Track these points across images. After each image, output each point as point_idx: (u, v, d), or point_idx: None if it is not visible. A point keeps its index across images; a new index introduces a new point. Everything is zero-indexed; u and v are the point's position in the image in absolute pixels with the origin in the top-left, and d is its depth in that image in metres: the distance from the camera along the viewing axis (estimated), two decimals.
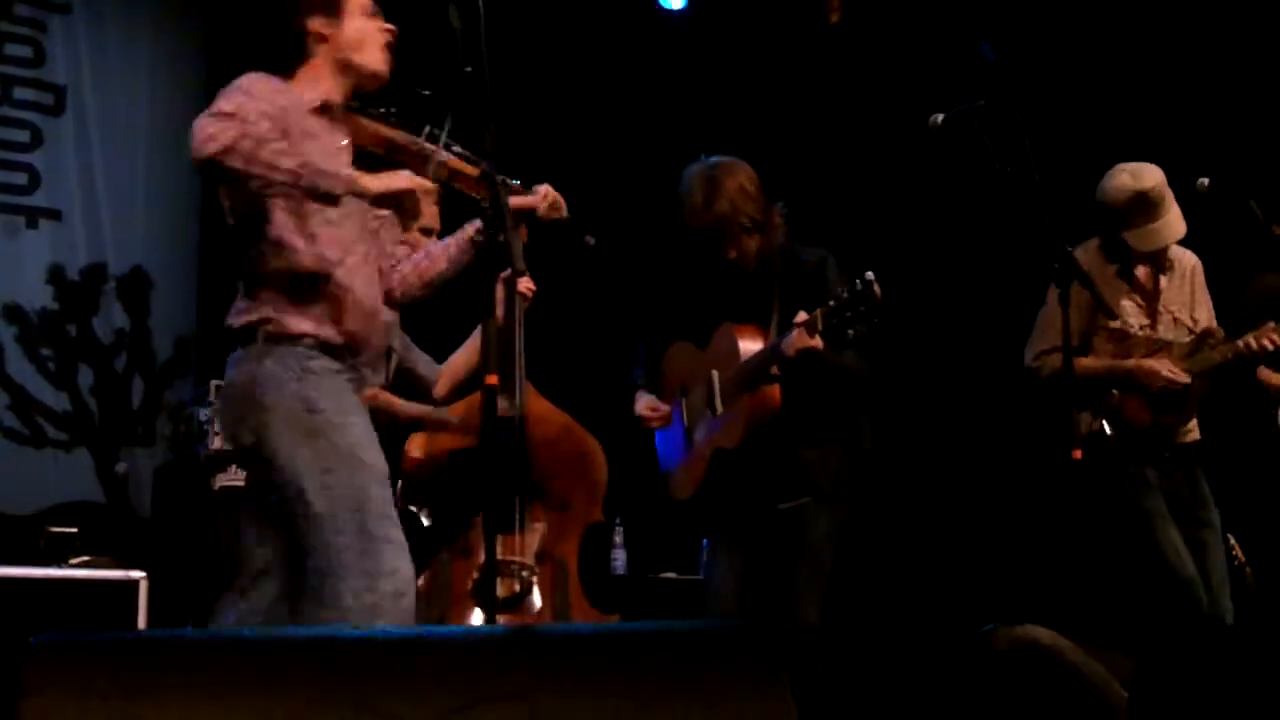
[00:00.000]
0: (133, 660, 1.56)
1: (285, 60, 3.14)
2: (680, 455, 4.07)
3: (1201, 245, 4.40)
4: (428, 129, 3.15)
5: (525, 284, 3.88)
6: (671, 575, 5.67)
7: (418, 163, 3.11)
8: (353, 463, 2.94)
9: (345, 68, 3.11)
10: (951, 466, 6.13)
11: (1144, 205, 4.15)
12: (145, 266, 6.28)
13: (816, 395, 3.81)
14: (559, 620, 4.07)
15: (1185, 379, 4.15)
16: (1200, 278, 4.38)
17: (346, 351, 3.03)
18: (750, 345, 3.79)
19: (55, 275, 6.12)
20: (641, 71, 6.56)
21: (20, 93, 6.17)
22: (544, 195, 3.25)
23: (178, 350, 6.28)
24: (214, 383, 4.92)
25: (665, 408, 4.04)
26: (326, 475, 2.91)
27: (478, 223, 3.14)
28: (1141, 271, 4.28)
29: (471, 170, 3.07)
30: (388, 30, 3.16)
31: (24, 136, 6.17)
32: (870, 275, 3.41)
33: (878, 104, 6.20)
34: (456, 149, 3.10)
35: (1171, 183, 4.24)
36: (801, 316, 3.57)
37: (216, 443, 4.84)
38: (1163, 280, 4.30)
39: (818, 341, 3.53)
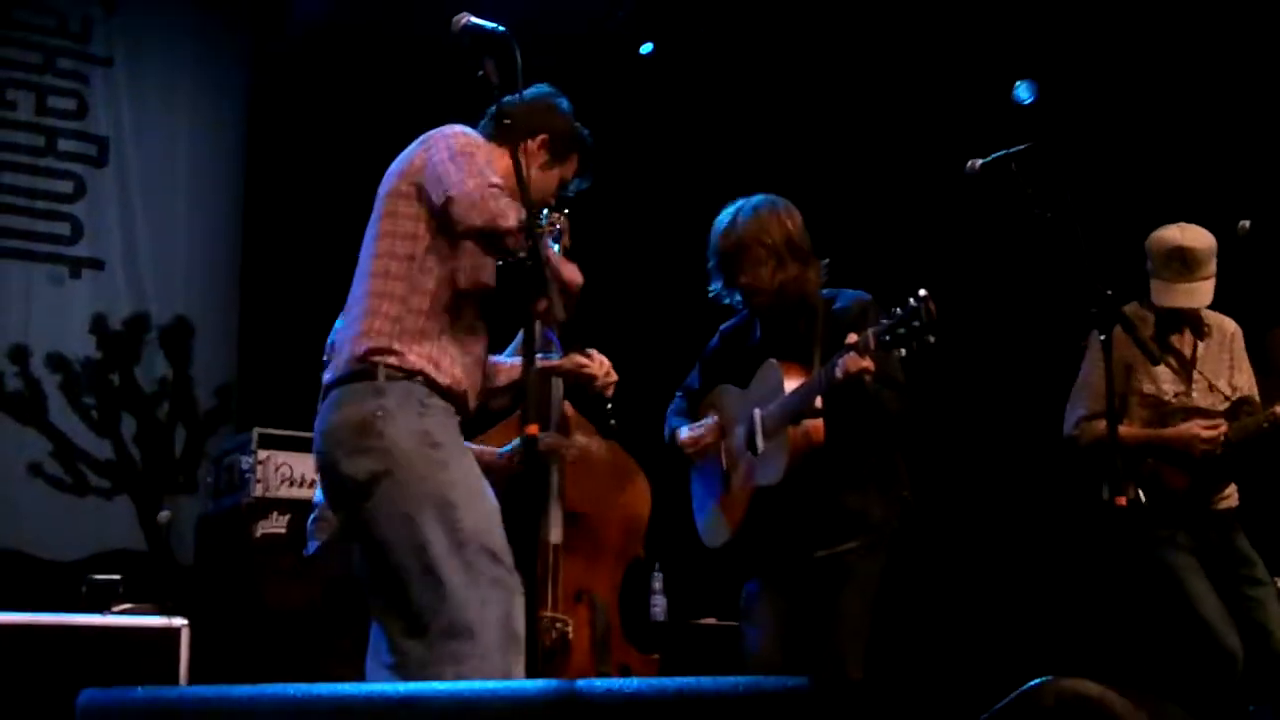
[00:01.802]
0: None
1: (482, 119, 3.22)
2: (715, 501, 4.04)
3: (1243, 287, 4.37)
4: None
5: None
6: (712, 621, 5.63)
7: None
8: (474, 498, 2.95)
9: (513, 190, 3.02)
10: (995, 517, 6.09)
11: (1180, 261, 4.16)
12: (187, 315, 6.36)
13: (857, 438, 3.78)
14: (598, 662, 4.04)
15: (1223, 433, 4.13)
16: (1240, 344, 4.36)
17: (454, 398, 3.05)
18: (794, 381, 3.74)
19: (98, 324, 6.20)
20: (683, 117, 6.59)
21: (64, 144, 6.27)
22: (600, 364, 3.37)
23: (219, 399, 6.34)
24: (257, 430, 4.96)
25: (706, 434, 3.98)
26: (449, 510, 2.90)
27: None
28: (1179, 337, 4.27)
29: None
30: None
31: (67, 188, 6.27)
32: (924, 292, 3.37)
33: (917, 149, 6.20)
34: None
35: (1214, 224, 4.24)
36: (853, 338, 3.52)
37: (258, 490, 4.87)
38: (1200, 346, 4.29)
39: (869, 363, 3.49)
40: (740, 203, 3.92)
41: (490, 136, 3.17)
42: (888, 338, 3.41)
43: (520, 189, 2.92)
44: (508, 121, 3.05)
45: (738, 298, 3.92)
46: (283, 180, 6.38)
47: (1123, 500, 3.70)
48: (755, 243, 3.81)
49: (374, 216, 3.13)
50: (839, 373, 3.52)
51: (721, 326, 4.12)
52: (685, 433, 4.02)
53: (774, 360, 3.81)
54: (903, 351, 3.42)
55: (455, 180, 2.92)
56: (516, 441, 3.99)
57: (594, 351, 3.38)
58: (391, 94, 6.20)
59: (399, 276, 3.02)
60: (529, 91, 3.22)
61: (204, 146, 6.48)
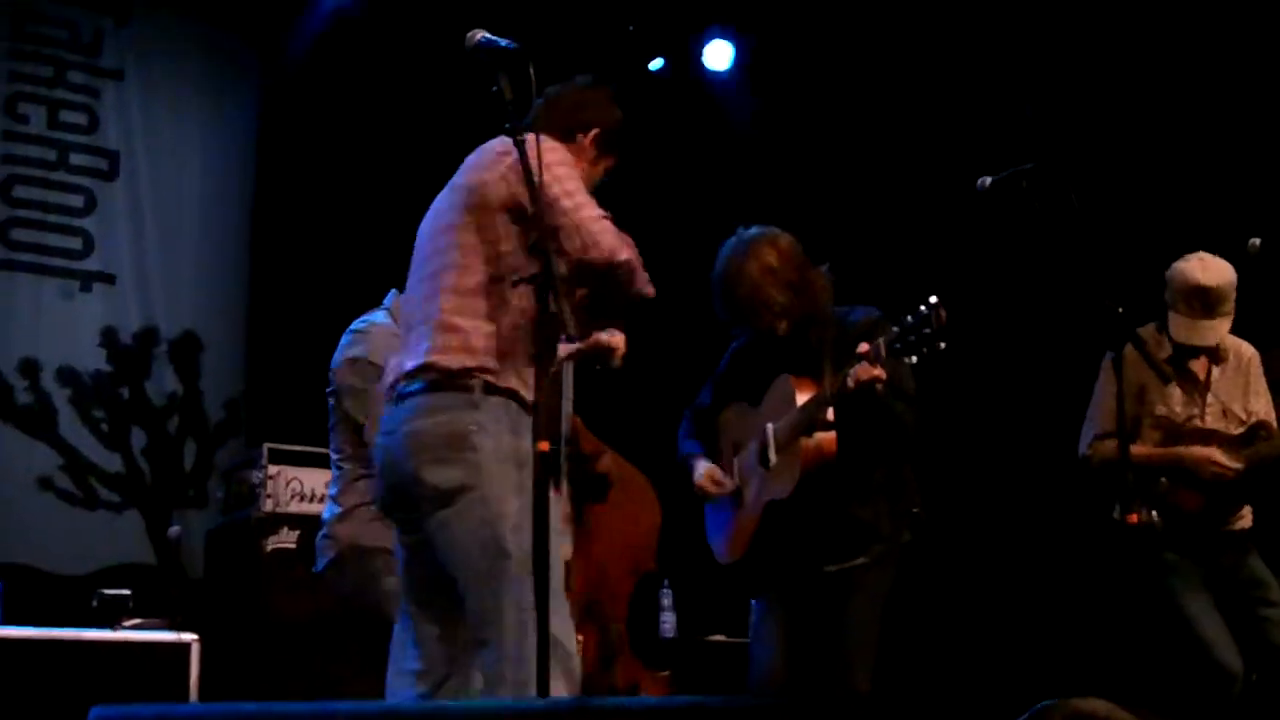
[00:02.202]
0: None
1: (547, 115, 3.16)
2: (729, 517, 4.03)
3: (1253, 305, 4.37)
4: None
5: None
6: (721, 638, 5.63)
7: None
8: (529, 527, 2.90)
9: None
10: (1006, 535, 6.08)
11: (1199, 299, 4.17)
12: (196, 330, 6.37)
13: (868, 450, 3.77)
14: (607, 679, 4.04)
15: (1236, 467, 4.13)
16: (1257, 368, 4.35)
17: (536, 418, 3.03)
18: (805, 394, 3.73)
19: (108, 338, 6.21)
20: (686, 138, 6.60)
21: (75, 158, 6.28)
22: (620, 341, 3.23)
23: (229, 413, 6.34)
24: (267, 445, 4.96)
25: (729, 481, 3.96)
26: (518, 534, 2.88)
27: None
28: (1195, 361, 4.26)
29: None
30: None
31: (78, 201, 6.29)
32: (935, 299, 3.37)
33: (925, 167, 6.21)
34: None
35: (1225, 243, 4.25)
36: (864, 347, 3.51)
37: (268, 505, 4.87)
38: (1215, 371, 4.28)
39: (880, 371, 3.49)
40: (730, 244, 3.87)
41: (544, 129, 3.06)
42: (898, 345, 3.41)
43: None
44: (554, 113, 3.10)
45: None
46: (292, 194, 6.39)
47: (1134, 518, 3.69)
48: (757, 299, 3.76)
49: (447, 222, 3.06)
50: (851, 382, 3.51)
51: (732, 345, 4.12)
52: (703, 474, 3.97)
53: (786, 375, 3.81)
54: (914, 359, 3.41)
55: (568, 207, 2.93)
56: None
57: (615, 331, 3.28)
58: (402, 109, 6.22)
59: (489, 294, 2.99)
60: (579, 79, 3.24)
61: (214, 160, 6.49)
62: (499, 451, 2.92)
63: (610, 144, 3.24)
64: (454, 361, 2.96)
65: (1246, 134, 5.85)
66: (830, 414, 3.66)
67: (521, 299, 2.96)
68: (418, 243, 3.16)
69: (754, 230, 3.88)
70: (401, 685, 3.05)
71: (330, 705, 2.48)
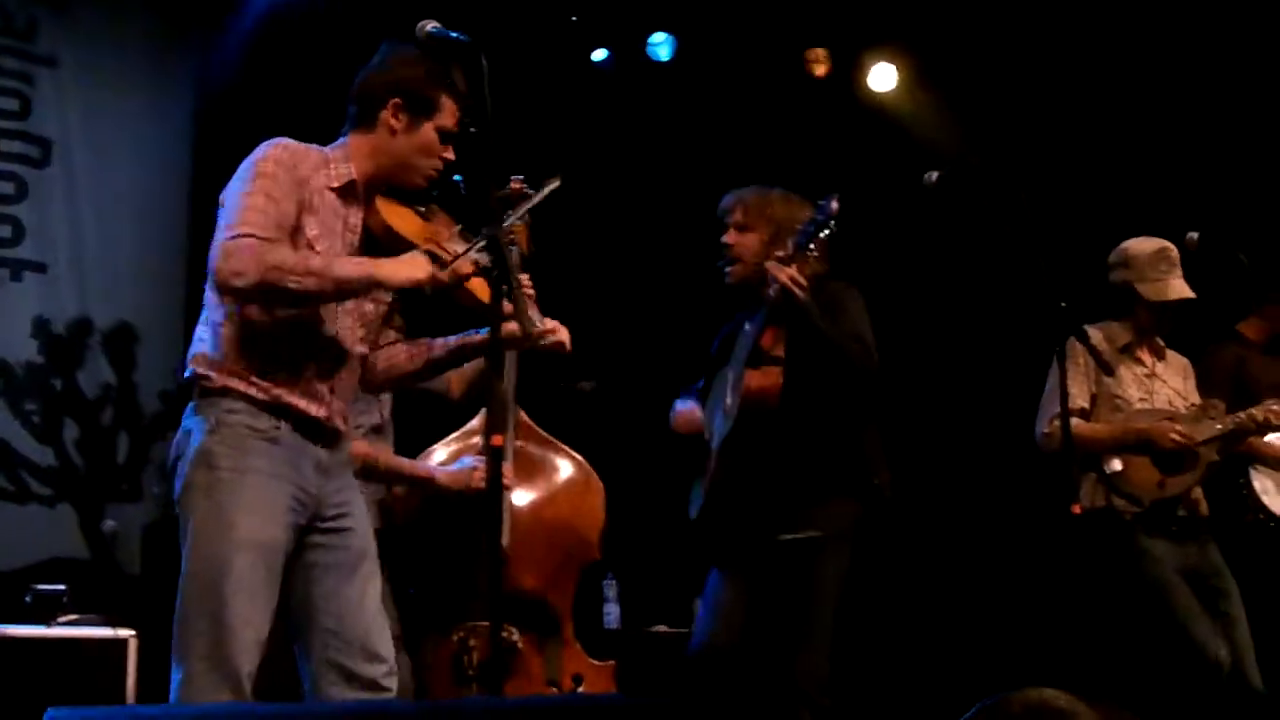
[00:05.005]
0: None
1: (346, 113, 3.12)
2: (702, 474, 4.06)
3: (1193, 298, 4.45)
4: (459, 228, 3.12)
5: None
6: (664, 629, 5.64)
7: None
8: None
9: (391, 166, 3.07)
10: (969, 524, 6.15)
11: (1166, 261, 4.34)
12: (131, 320, 6.25)
13: (815, 393, 3.81)
14: (550, 672, 4.02)
15: (1196, 437, 4.24)
16: (1192, 378, 4.54)
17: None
18: (775, 339, 3.83)
19: (41, 328, 6.08)
20: (635, 123, 6.59)
21: (6, 144, 6.15)
22: (554, 330, 3.17)
23: (164, 405, 6.24)
24: None
25: (698, 417, 4.06)
26: None
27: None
28: (1142, 353, 4.43)
29: (481, 292, 2.96)
30: (444, 160, 3.10)
31: (9, 189, 6.15)
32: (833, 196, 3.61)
33: (875, 162, 6.25)
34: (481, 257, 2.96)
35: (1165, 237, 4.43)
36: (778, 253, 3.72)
37: None
38: (1159, 366, 4.45)
39: (793, 270, 3.65)
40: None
41: (355, 130, 3.08)
42: (803, 239, 3.63)
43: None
44: (353, 107, 3.06)
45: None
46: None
47: (1077, 508, 3.75)
48: (757, 210, 3.96)
49: None
50: (771, 291, 3.64)
51: (724, 329, 4.18)
52: (676, 412, 4.13)
53: (747, 326, 3.90)
54: (813, 248, 3.65)
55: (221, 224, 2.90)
56: (466, 461, 3.97)
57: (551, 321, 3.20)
58: (343, 101, 6.14)
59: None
60: (367, 66, 3.12)
61: (152, 149, 6.37)
62: None
63: (421, 101, 3.05)
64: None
65: (1182, 130, 5.96)
66: (780, 350, 3.76)
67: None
68: None
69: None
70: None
71: (268, 708, 2.46)
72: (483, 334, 3.12)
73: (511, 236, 3.49)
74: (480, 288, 2.98)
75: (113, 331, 6.21)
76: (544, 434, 4.20)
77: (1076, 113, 6.11)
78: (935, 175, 3.75)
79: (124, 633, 4.47)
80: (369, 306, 3.12)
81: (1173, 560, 4.23)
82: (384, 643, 3.02)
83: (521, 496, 4.03)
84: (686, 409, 4.13)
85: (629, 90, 6.63)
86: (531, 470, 4.10)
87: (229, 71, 6.24)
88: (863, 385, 3.83)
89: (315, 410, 2.99)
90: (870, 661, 5.11)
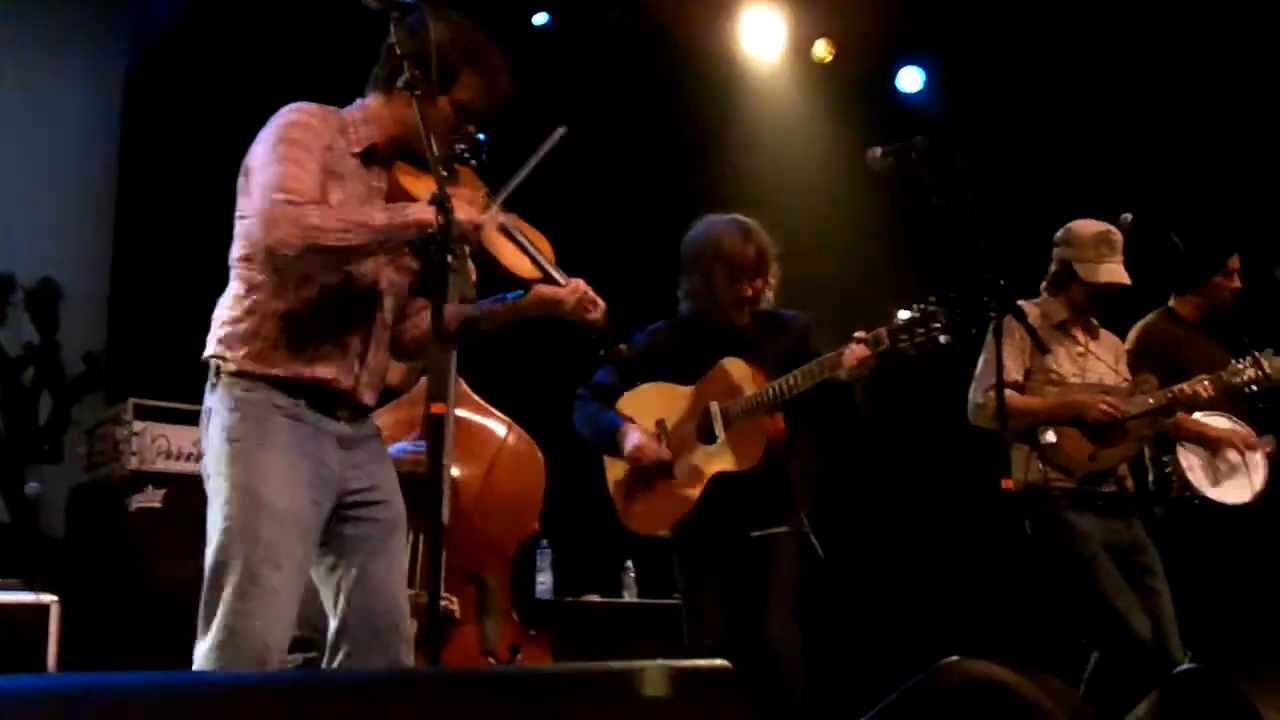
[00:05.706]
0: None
1: (368, 75, 3.05)
2: (653, 490, 4.13)
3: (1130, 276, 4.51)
4: (486, 191, 3.03)
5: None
6: (595, 598, 5.64)
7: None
8: None
9: (406, 134, 2.96)
10: (903, 502, 6.20)
11: (1107, 245, 4.41)
12: (56, 278, 6.11)
13: (813, 433, 4.06)
14: (486, 642, 4.01)
15: (1125, 409, 4.32)
16: (1124, 359, 4.63)
17: None
18: (755, 376, 3.99)
19: None
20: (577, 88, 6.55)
21: None
22: (573, 290, 3.07)
23: (88, 366, 6.12)
24: (133, 401, 4.80)
25: (665, 451, 4.10)
26: None
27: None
28: (1076, 330, 4.52)
29: (512, 259, 2.96)
30: (465, 135, 3.03)
31: None
32: (935, 299, 3.66)
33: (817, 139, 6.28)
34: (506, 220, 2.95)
35: (1096, 218, 4.50)
36: (861, 334, 3.74)
37: (133, 463, 4.72)
38: (1093, 344, 4.55)
39: (869, 354, 3.74)
40: (731, 216, 4.14)
41: (377, 92, 3.03)
42: (902, 338, 3.69)
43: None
44: (377, 69, 3.00)
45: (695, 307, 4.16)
46: (160, 145, 6.17)
47: (1008, 483, 3.78)
48: (771, 258, 4.09)
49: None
50: (848, 360, 3.75)
51: (650, 327, 4.27)
52: (636, 441, 4.09)
53: (734, 358, 4.06)
54: (912, 351, 3.70)
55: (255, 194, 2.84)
56: (406, 445, 3.94)
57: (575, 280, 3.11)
58: (279, 62, 6.03)
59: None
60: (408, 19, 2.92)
61: (79, 108, 6.24)
62: None
63: (441, 74, 2.94)
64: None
65: (1122, 113, 6.03)
66: (788, 395, 3.90)
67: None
68: None
69: (737, 219, 4.12)
70: None
71: (190, 675, 2.41)
72: (513, 298, 3.10)
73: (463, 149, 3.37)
74: (511, 251, 2.97)
75: (35, 289, 6.07)
76: (483, 402, 4.18)
77: (1017, 93, 6.16)
78: (879, 151, 3.76)
79: (46, 598, 4.37)
80: (397, 275, 3.06)
81: (1099, 535, 4.30)
82: (404, 618, 2.99)
83: (462, 468, 4.02)
84: (644, 440, 4.10)
85: (571, 54, 6.57)
86: (471, 441, 4.08)
87: (161, 30, 6.10)
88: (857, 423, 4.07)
89: (344, 382, 2.95)
90: (818, 633, 5.17)
